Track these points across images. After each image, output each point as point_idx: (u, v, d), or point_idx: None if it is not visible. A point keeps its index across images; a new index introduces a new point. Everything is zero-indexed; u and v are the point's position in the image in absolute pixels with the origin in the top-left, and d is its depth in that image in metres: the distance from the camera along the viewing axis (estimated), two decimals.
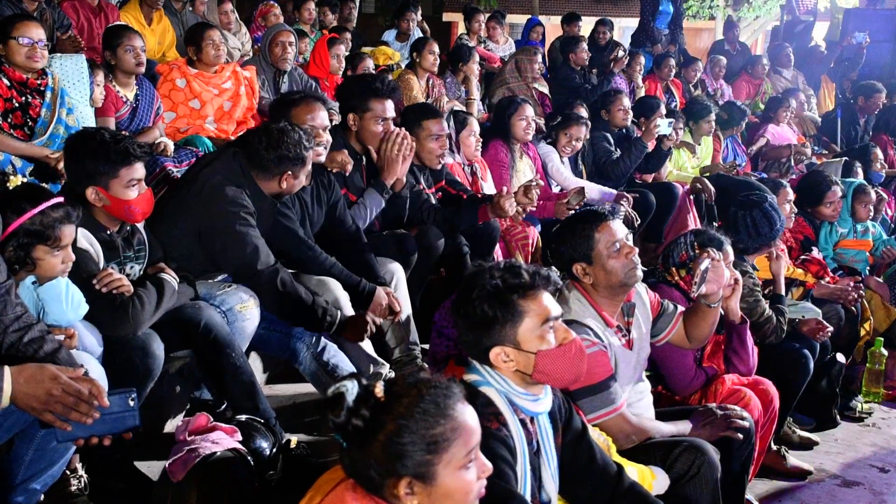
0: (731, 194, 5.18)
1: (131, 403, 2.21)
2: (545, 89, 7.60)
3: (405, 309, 3.86)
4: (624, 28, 14.74)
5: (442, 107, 6.14)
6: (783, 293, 4.02)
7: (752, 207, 3.97)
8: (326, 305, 3.33)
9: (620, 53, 7.81)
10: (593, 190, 5.62)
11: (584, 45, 8.17)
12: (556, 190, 5.65)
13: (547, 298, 2.19)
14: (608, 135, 6.23)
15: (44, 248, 2.53)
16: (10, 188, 2.61)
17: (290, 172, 3.37)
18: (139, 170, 2.95)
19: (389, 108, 4.11)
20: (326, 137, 3.76)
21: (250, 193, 3.34)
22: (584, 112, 6.05)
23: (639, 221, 5.56)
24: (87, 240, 2.86)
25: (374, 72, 6.38)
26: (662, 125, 6.11)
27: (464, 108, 6.39)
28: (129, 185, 2.92)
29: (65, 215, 2.56)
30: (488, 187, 5.08)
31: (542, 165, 5.60)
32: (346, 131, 4.13)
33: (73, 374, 2.13)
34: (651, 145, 6.19)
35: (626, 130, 6.45)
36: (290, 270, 3.46)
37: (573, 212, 4.93)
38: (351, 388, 1.68)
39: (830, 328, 4.00)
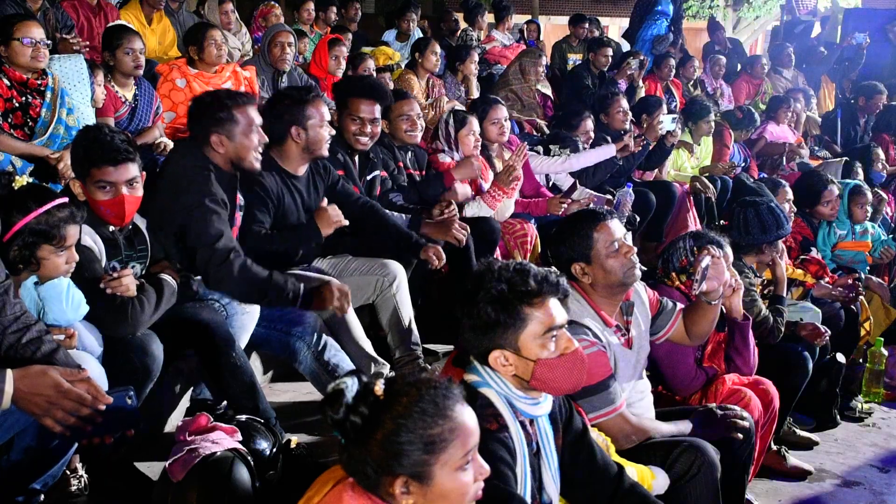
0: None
1: (129, 402, 2.21)
2: (548, 91, 7.60)
3: (406, 310, 3.86)
4: (624, 28, 14.72)
5: (442, 107, 6.14)
6: (784, 294, 4.03)
7: (748, 206, 4.04)
8: (285, 281, 3.22)
9: (634, 65, 7.75)
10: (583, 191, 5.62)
11: (609, 51, 8.01)
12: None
13: (553, 306, 2.17)
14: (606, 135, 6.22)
15: (48, 248, 2.54)
16: (16, 188, 2.63)
17: (218, 134, 3.28)
18: (111, 173, 2.88)
19: (366, 107, 4.16)
20: (330, 131, 3.81)
21: (215, 174, 3.28)
22: (589, 124, 6.01)
23: (638, 220, 5.55)
24: (90, 237, 2.86)
25: (374, 72, 6.38)
26: (666, 121, 6.09)
27: (463, 108, 6.38)
28: (98, 185, 2.88)
29: (69, 215, 2.58)
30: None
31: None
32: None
33: (75, 377, 2.12)
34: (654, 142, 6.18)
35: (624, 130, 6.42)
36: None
37: (565, 205, 4.94)
38: (350, 385, 1.68)
39: (828, 333, 4.00)
